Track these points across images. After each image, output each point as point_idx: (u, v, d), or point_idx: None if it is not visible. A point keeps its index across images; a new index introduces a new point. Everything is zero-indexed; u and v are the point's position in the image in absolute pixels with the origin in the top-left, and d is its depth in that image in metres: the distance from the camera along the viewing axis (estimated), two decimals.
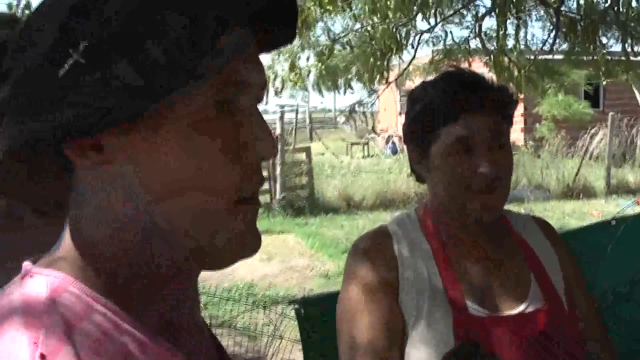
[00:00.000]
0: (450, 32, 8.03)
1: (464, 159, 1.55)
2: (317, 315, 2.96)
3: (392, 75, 8.00)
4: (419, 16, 6.92)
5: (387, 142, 25.78)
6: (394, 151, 24.66)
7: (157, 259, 0.79)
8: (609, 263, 2.97)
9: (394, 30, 6.86)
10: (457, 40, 8.06)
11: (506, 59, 7.53)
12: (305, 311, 2.91)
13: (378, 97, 9.04)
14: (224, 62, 0.75)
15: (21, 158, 0.78)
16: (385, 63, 7.19)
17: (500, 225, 1.70)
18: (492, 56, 7.56)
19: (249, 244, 0.81)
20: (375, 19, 6.79)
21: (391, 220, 1.73)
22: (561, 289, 1.64)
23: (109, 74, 0.70)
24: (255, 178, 0.80)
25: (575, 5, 7.33)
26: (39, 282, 0.75)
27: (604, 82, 11.62)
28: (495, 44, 7.70)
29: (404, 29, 7.07)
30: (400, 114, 26.27)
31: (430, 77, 1.81)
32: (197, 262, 0.81)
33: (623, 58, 8.05)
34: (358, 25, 7.27)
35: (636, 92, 13.42)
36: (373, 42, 7.08)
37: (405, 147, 1.72)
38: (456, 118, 1.55)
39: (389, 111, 28.91)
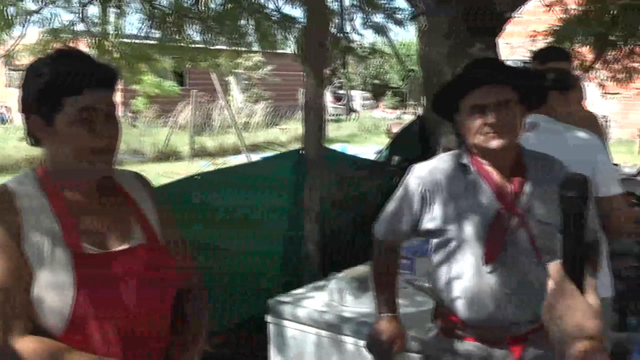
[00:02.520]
0: (58, 15, 7.75)
1: (86, 124, 1.61)
2: None
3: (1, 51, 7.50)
4: None
5: None
6: (3, 120, 22.95)
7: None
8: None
9: (3, 8, 6.49)
10: (64, 23, 7.80)
11: (108, 43, 7.52)
12: None
13: None
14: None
15: None
16: None
17: (108, 179, 1.77)
18: (95, 39, 7.49)
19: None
20: None
21: (10, 180, 1.71)
22: (157, 228, 1.79)
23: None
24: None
25: (165, 2, 7.56)
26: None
27: (188, 66, 12.11)
28: (98, 28, 7.63)
29: (12, 8, 6.71)
30: (8, 85, 24.34)
31: (39, 55, 1.79)
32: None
33: (203, 46, 8.49)
34: None
35: (212, 75, 14.26)
36: None
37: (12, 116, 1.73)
38: (80, 91, 1.60)
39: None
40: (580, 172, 2.75)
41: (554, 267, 1.16)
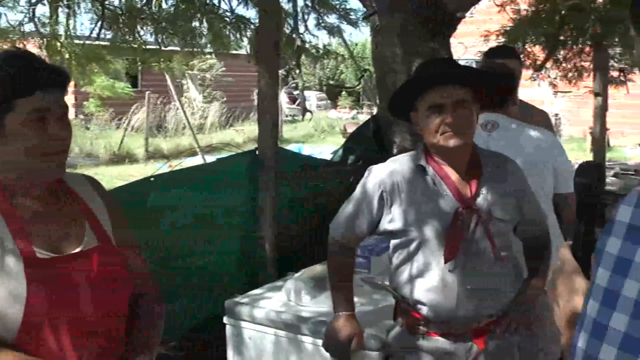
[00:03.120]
0: (5, 14, 7.61)
1: (40, 127, 1.59)
2: None
3: None
4: None
5: None
6: None
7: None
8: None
9: None
10: (12, 23, 7.66)
11: (58, 44, 7.42)
12: None
13: None
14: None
15: None
16: None
17: (59, 182, 1.74)
18: (45, 40, 7.38)
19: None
20: None
21: None
22: (110, 231, 1.77)
23: None
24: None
25: (118, 2, 7.49)
26: None
27: (140, 67, 12.03)
28: (48, 29, 7.53)
29: None
30: None
31: None
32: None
33: (156, 47, 8.43)
34: None
35: (167, 76, 14.17)
36: None
37: None
38: (32, 92, 1.57)
39: None
40: (543, 169, 2.86)
41: (563, 249, 1.22)
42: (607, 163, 9.09)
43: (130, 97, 18.76)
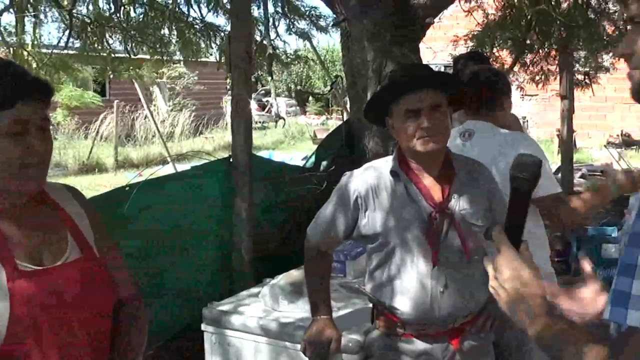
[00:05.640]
0: None
1: (20, 138, 1.58)
2: None
3: None
4: None
5: None
6: None
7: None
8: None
9: None
10: None
11: (25, 53, 7.36)
12: None
13: None
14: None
15: None
16: None
17: (40, 193, 1.73)
18: (12, 49, 7.31)
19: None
20: None
21: None
22: (92, 240, 1.77)
23: None
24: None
25: (85, 10, 7.44)
26: None
27: (111, 76, 11.96)
28: (14, 38, 7.47)
29: None
30: None
31: None
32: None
33: (125, 55, 8.38)
34: None
35: (136, 84, 14.06)
36: None
37: None
38: (13, 104, 1.56)
39: None
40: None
41: (497, 234, 1.29)
42: (574, 164, 9.23)
43: (98, 107, 18.60)
